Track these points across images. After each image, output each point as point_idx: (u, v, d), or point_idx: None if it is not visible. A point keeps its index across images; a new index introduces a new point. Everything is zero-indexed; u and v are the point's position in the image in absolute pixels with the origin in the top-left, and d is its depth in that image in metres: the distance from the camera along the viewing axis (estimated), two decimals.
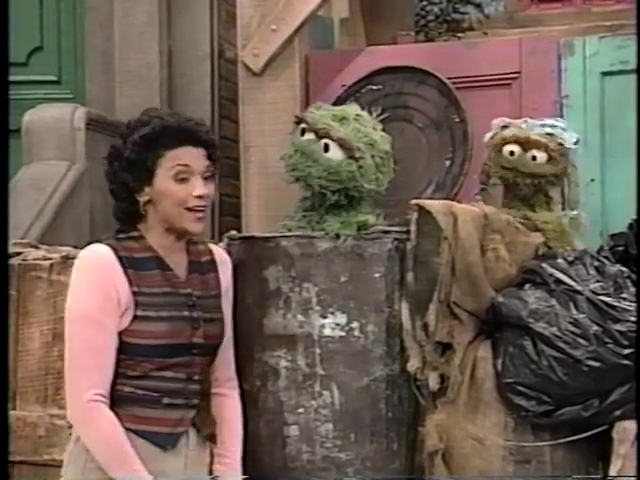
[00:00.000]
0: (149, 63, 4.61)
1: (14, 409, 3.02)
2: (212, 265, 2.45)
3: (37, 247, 3.29)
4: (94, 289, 2.25)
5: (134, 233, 2.34)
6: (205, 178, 2.33)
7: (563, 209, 2.95)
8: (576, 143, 2.93)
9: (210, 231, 4.49)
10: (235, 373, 2.52)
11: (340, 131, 2.66)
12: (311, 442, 2.64)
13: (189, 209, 2.30)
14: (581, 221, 2.92)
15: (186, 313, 2.31)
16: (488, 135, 3.00)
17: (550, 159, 2.88)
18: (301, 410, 2.64)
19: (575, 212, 2.92)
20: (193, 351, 2.32)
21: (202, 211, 2.32)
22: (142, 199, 2.32)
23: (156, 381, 2.28)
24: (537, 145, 2.87)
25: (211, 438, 2.39)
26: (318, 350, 2.63)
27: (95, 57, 4.83)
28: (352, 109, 2.79)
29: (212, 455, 2.44)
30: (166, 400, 2.29)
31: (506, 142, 2.91)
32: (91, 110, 4.52)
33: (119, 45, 4.66)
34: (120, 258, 2.27)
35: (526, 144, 2.88)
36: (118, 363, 2.26)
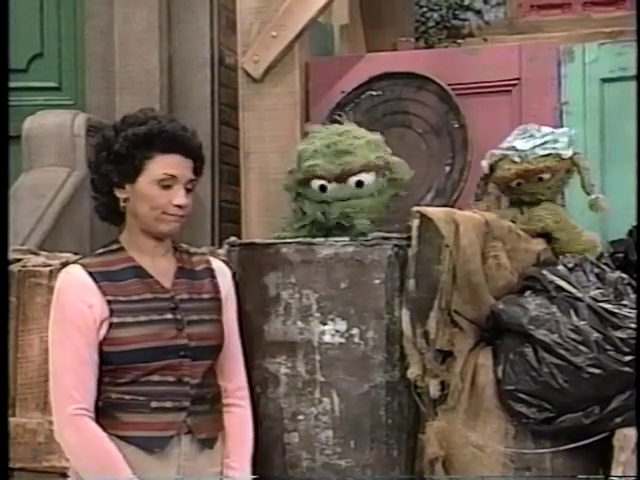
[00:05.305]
0: (149, 69, 4.61)
1: (14, 416, 3.01)
2: (209, 272, 2.46)
3: (37, 254, 3.28)
4: (68, 310, 2.28)
5: (114, 246, 2.38)
6: (187, 189, 2.35)
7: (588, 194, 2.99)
8: (574, 145, 2.97)
9: (210, 237, 4.49)
10: (245, 382, 2.51)
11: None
12: (311, 449, 2.63)
13: (165, 213, 2.32)
14: (600, 204, 2.96)
15: (169, 316, 2.32)
16: (484, 164, 3.05)
17: (554, 175, 2.96)
18: (301, 417, 2.64)
19: (593, 196, 2.96)
20: (180, 353, 2.31)
21: (179, 217, 2.34)
22: (121, 196, 2.34)
23: (143, 386, 2.28)
24: (540, 171, 2.95)
25: (208, 443, 2.37)
26: (318, 357, 2.63)
27: (95, 63, 4.83)
28: (331, 131, 2.78)
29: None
30: (154, 404, 2.28)
31: (511, 179, 2.99)
32: (91, 116, 4.51)
33: (119, 52, 4.66)
34: (91, 274, 2.30)
35: (530, 174, 2.95)
36: (104, 374, 2.28)
